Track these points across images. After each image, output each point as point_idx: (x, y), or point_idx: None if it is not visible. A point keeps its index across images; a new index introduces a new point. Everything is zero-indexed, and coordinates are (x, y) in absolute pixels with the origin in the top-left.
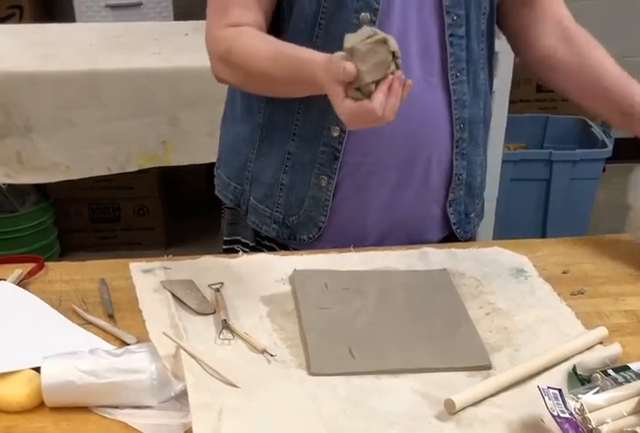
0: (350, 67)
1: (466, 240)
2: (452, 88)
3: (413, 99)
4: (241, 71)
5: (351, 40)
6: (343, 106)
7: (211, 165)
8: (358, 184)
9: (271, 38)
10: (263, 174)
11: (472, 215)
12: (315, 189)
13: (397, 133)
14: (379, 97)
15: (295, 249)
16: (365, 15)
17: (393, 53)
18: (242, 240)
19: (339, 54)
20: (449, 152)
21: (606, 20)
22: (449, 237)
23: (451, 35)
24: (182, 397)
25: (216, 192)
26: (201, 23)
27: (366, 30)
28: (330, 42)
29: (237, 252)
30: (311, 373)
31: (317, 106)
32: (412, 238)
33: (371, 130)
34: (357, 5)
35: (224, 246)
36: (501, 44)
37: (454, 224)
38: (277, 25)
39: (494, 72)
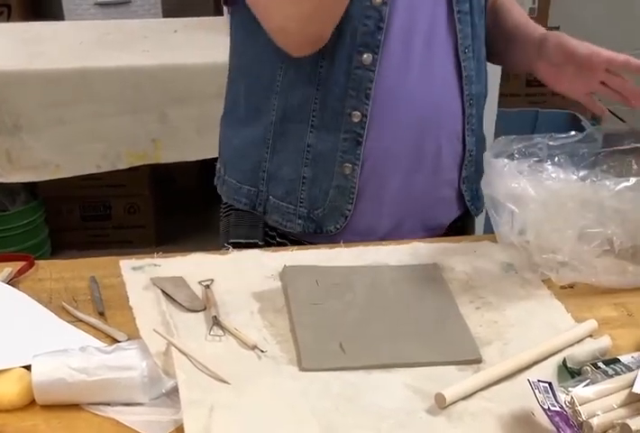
0: None
1: (476, 214)
2: (463, 65)
3: (426, 77)
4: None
5: None
6: None
7: (202, 162)
8: (376, 168)
9: None
10: (281, 171)
11: (481, 191)
12: (339, 179)
13: (411, 110)
14: None
15: (312, 243)
16: None
17: None
18: (251, 241)
19: None
20: (460, 129)
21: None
22: (462, 217)
23: (458, 11)
24: (173, 394)
25: (226, 199)
26: (190, 20)
27: None
28: (344, 24)
29: None
30: (302, 369)
31: (335, 94)
32: (426, 223)
33: (388, 110)
34: None
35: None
36: None
37: (469, 201)
38: None
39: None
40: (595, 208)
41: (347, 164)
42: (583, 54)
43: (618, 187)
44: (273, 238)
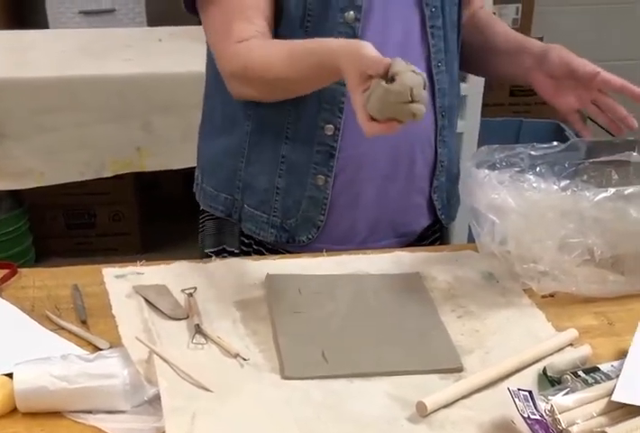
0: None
1: (447, 223)
2: (436, 79)
3: None
4: (261, 83)
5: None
6: (360, 99)
7: (186, 170)
8: (351, 178)
9: (279, 41)
10: (256, 181)
11: (453, 200)
12: (312, 190)
13: None
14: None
15: (288, 252)
16: (350, 14)
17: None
18: (228, 248)
19: (365, 48)
20: (432, 140)
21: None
22: (434, 224)
23: (431, 26)
24: (155, 401)
25: (203, 206)
26: (174, 29)
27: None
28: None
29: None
30: (284, 377)
31: (309, 107)
32: (399, 230)
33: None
34: (342, 4)
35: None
36: None
37: (439, 209)
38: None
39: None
40: (575, 218)
41: (320, 176)
42: (585, 72)
43: (598, 197)
44: (250, 246)
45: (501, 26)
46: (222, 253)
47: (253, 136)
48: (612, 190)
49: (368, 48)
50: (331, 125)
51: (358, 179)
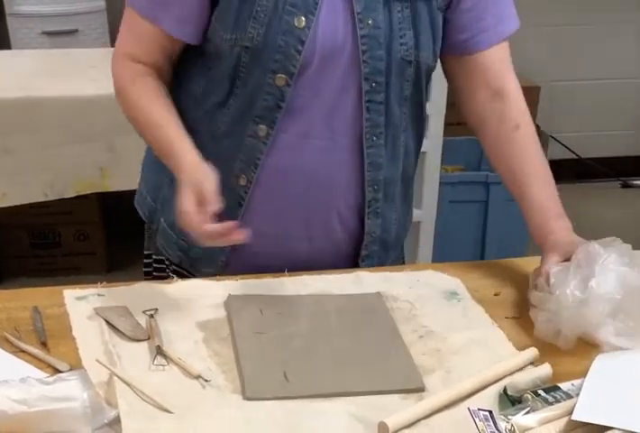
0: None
1: None
2: (367, 152)
3: (315, 157)
4: (123, 110)
5: None
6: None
7: None
8: (260, 230)
9: (159, 103)
10: (174, 199)
11: (387, 263)
12: None
13: (299, 187)
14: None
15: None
16: (281, 77)
17: None
18: (158, 257)
19: (207, 182)
20: (356, 212)
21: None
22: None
23: (368, 101)
24: (116, 424)
25: (135, 203)
26: None
27: None
28: (244, 102)
29: (164, 270)
30: (246, 398)
31: (227, 151)
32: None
33: (276, 182)
34: (274, 66)
35: (147, 269)
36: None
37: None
38: (201, 71)
39: (424, 132)
40: None
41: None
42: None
43: None
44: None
45: (538, 184)
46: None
47: None
48: None
49: (209, 183)
50: (244, 176)
51: (267, 232)
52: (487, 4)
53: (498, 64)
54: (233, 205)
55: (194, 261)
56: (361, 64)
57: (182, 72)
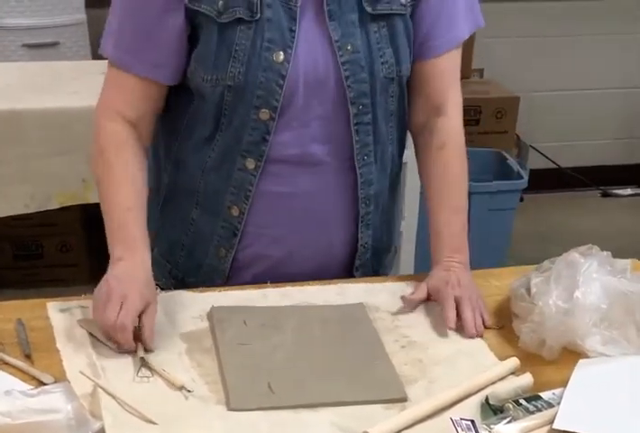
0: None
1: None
2: (360, 172)
3: (307, 182)
4: (94, 168)
5: None
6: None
7: None
8: (257, 253)
9: (134, 190)
10: (165, 231)
11: (381, 271)
12: (213, 259)
13: (296, 210)
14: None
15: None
16: (265, 112)
17: None
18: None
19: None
20: (352, 226)
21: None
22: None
23: (357, 124)
24: None
25: None
26: None
27: None
28: (230, 137)
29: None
30: (230, 409)
31: (217, 184)
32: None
33: (270, 210)
34: (257, 102)
35: None
36: None
37: (360, 276)
38: (185, 108)
39: (406, 136)
40: None
41: (222, 248)
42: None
43: None
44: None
45: (448, 212)
46: None
47: (170, 191)
48: None
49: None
50: (236, 207)
51: (265, 254)
52: (441, 10)
53: (440, 76)
54: (228, 234)
55: (191, 288)
56: (346, 89)
57: (167, 106)
